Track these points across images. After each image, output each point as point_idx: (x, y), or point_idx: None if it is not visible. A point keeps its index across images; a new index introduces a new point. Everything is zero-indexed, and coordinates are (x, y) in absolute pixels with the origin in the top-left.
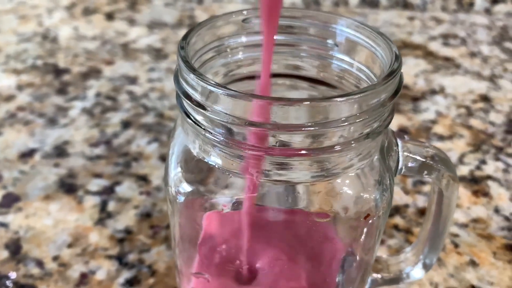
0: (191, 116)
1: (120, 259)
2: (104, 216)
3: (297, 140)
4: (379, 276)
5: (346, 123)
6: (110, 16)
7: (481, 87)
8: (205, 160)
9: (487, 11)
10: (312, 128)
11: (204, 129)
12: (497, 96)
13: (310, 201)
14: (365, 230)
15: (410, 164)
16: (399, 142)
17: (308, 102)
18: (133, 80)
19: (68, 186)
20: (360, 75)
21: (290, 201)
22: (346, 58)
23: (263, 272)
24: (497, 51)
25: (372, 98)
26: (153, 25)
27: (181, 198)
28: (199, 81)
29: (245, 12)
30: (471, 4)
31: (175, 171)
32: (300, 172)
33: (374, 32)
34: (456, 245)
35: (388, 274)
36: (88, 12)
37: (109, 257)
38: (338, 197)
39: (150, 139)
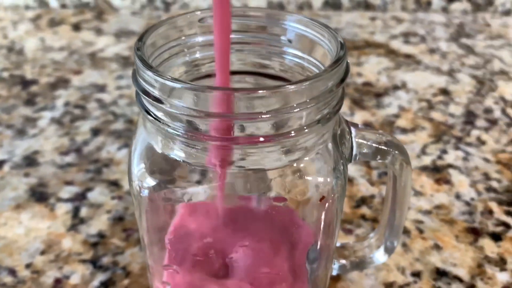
0: (151, 113)
1: (94, 262)
2: (76, 222)
3: (254, 127)
4: (346, 261)
5: (298, 109)
6: (76, 27)
7: (441, 81)
8: (168, 155)
9: (444, 10)
10: (268, 116)
11: (164, 123)
12: (455, 89)
13: (269, 186)
14: (323, 213)
15: (364, 150)
16: (353, 130)
17: (263, 91)
18: (101, 88)
19: (39, 195)
20: (313, 68)
21: (250, 188)
22: (299, 53)
23: (235, 263)
24: (454, 47)
25: (321, 85)
26: (120, 34)
27: (145, 192)
28: (156, 77)
29: (198, 13)
30: (429, 3)
31: (138, 167)
32: (258, 160)
33: (320, 26)
34: (420, 231)
35: (355, 259)
36: (54, 23)
37: (83, 261)
38: (294, 181)
39: (120, 145)
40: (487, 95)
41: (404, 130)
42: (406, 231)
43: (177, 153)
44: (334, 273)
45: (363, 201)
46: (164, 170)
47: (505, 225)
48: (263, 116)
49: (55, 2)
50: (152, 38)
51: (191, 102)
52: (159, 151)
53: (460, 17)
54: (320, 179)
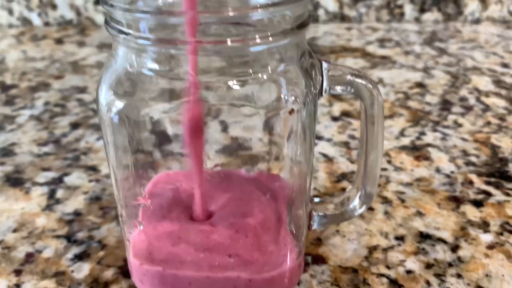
0: (123, 30)
1: (68, 237)
2: (52, 202)
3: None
4: (324, 213)
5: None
6: (59, 41)
7: (416, 76)
8: (142, 72)
9: (417, 20)
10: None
11: (134, 36)
12: (431, 83)
13: (239, 97)
14: (294, 127)
15: (335, 82)
16: (324, 63)
17: None
18: (82, 90)
19: (14, 180)
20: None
21: (217, 99)
22: None
23: (218, 211)
24: (428, 49)
25: None
26: (103, 46)
27: (116, 117)
28: None
29: None
30: (402, 14)
31: (107, 94)
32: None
33: None
34: (402, 201)
35: (334, 211)
36: (36, 38)
37: (57, 236)
38: (264, 92)
39: (99, 136)
40: (462, 87)
41: None
42: (388, 201)
43: (151, 66)
44: (315, 227)
45: (344, 176)
46: (135, 90)
47: (486, 193)
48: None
49: (38, 20)
50: None
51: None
52: (131, 70)
53: (432, 26)
54: (291, 92)
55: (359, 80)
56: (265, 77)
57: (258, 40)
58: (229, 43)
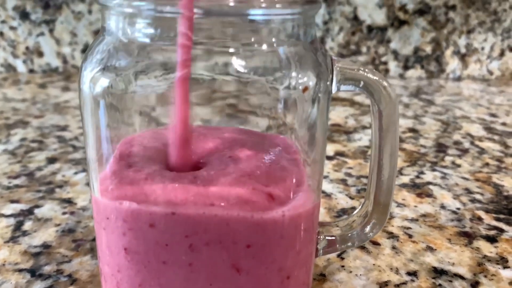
0: None
1: (33, 271)
2: (18, 234)
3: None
4: (333, 236)
5: None
6: (43, 86)
7: (408, 123)
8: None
9: (401, 76)
10: None
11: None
12: (423, 128)
13: (250, 70)
14: (308, 108)
15: (345, 79)
16: (334, 59)
17: None
18: (63, 128)
19: None
20: None
21: (217, 72)
22: None
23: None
24: (416, 100)
25: None
26: None
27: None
28: None
29: None
30: (387, 71)
31: (93, 71)
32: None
33: None
34: (410, 236)
35: (342, 233)
36: (19, 83)
37: (19, 270)
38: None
39: (77, 170)
40: (454, 132)
41: None
42: (394, 236)
43: (146, 31)
44: (321, 254)
45: (344, 211)
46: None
47: (498, 229)
48: None
49: (22, 66)
50: None
51: None
52: (126, 40)
53: (416, 82)
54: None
55: (371, 76)
56: (272, 49)
57: (263, 4)
58: (231, 3)
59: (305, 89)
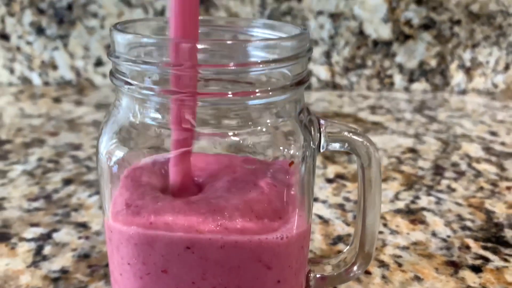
0: (128, 81)
1: None
2: (39, 259)
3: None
4: (322, 275)
5: (262, 65)
6: (57, 100)
7: (408, 142)
8: (145, 122)
9: (406, 89)
10: (234, 68)
11: (139, 87)
12: (422, 148)
13: (237, 148)
14: (293, 178)
15: (332, 140)
16: (322, 120)
17: (231, 42)
18: (77, 147)
19: (1, 235)
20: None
21: (218, 149)
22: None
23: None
24: (418, 117)
25: (287, 47)
26: (100, 106)
27: (116, 167)
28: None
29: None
30: (392, 84)
31: (108, 143)
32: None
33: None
34: (399, 265)
35: (332, 272)
36: (35, 97)
37: None
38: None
39: (91, 192)
40: (453, 153)
41: None
42: (385, 265)
43: (153, 115)
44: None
45: (340, 239)
46: (136, 140)
47: (484, 258)
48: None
49: (38, 79)
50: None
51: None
52: (134, 120)
53: (421, 95)
54: (290, 146)
55: (355, 137)
56: (264, 129)
57: (258, 94)
58: (230, 95)
59: (291, 163)
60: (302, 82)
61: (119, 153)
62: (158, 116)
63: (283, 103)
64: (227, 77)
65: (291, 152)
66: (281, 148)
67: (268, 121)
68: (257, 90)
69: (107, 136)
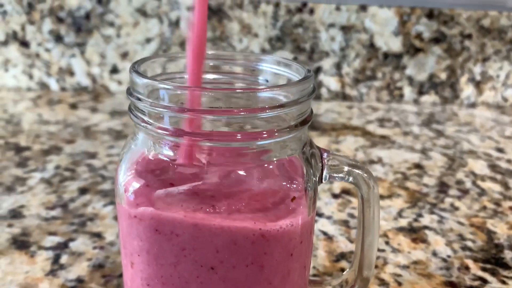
0: (145, 119)
1: None
2: (56, 267)
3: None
4: None
5: (269, 110)
6: (73, 106)
7: (414, 157)
8: (159, 157)
9: (416, 101)
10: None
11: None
12: (428, 164)
13: (244, 183)
14: (294, 219)
15: (334, 171)
16: (324, 153)
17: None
18: (92, 155)
19: (21, 243)
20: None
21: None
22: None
23: None
24: (426, 131)
25: (292, 92)
26: (115, 113)
27: (132, 197)
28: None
29: (180, 55)
30: (401, 96)
31: (125, 174)
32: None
33: (289, 61)
34: (399, 284)
35: None
36: (52, 102)
37: None
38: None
39: (106, 202)
40: (458, 169)
41: (380, 197)
42: (385, 283)
43: (166, 153)
44: None
45: (343, 256)
46: (152, 173)
47: (482, 279)
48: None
49: (55, 85)
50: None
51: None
52: (151, 156)
53: (430, 108)
54: (292, 181)
55: (356, 171)
56: (270, 166)
57: (265, 135)
58: (238, 136)
59: (293, 199)
60: (305, 121)
61: (135, 185)
62: (171, 153)
63: (287, 141)
64: (237, 120)
65: (293, 186)
66: (283, 183)
67: (274, 158)
68: (264, 132)
69: (125, 167)
